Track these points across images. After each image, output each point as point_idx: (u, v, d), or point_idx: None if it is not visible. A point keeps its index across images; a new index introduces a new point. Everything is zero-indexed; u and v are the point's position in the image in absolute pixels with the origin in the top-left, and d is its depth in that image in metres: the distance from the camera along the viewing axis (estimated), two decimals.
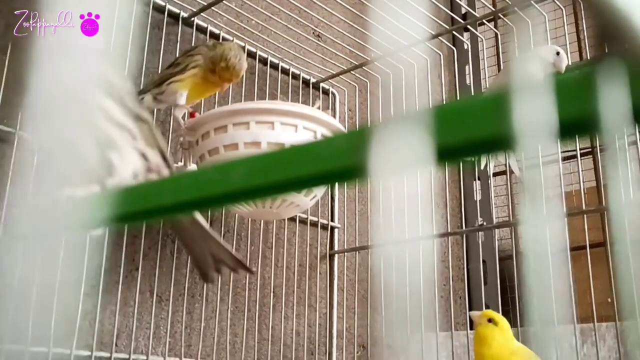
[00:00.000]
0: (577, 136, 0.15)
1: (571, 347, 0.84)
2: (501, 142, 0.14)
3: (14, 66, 0.69)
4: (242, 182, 0.26)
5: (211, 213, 0.92)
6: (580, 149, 0.92)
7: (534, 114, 0.14)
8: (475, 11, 1.28)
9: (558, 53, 0.87)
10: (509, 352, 0.74)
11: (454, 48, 1.17)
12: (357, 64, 1.10)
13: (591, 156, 1.15)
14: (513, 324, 0.92)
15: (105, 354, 0.77)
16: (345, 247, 1.10)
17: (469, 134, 0.14)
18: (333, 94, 1.17)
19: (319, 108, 0.93)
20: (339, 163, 0.20)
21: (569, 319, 0.81)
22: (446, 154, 0.15)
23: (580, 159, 0.91)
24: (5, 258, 0.65)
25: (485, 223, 1.26)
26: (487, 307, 1.15)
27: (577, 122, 0.15)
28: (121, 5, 0.83)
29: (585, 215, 0.84)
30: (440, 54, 1.14)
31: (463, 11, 1.39)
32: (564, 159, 0.95)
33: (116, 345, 0.79)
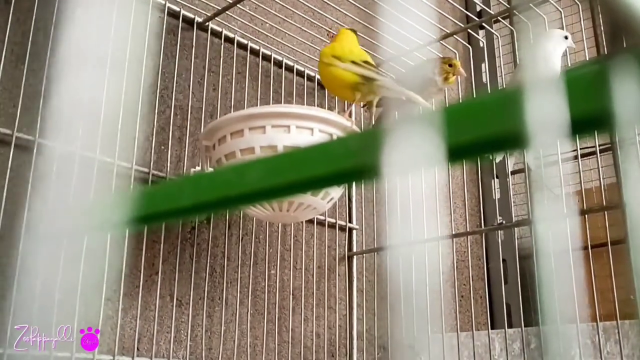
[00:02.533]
0: (590, 133, 0.15)
1: (594, 345, 0.83)
2: (513, 139, 0.14)
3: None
4: (258, 183, 0.26)
5: (229, 216, 0.93)
6: (599, 145, 0.91)
7: (546, 110, 0.14)
8: (490, 9, 1.28)
9: (566, 37, 0.87)
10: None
11: (469, 46, 1.16)
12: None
13: (611, 152, 1.14)
14: (535, 323, 0.91)
15: (127, 359, 0.78)
16: (364, 248, 1.09)
17: (481, 132, 0.14)
18: None
19: (338, 112, 0.93)
20: (352, 163, 0.21)
21: (590, 316, 0.80)
22: (458, 152, 0.15)
23: (600, 155, 0.90)
24: (28, 261, 0.66)
25: (504, 221, 1.25)
26: (508, 306, 1.14)
27: (590, 119, 0.15)
28: (136, 12, 0.84)
29: (606, 212, 0.84)
30: (456, 52, 1.13)
31: (478, 9, 1.38)
32: (583, 155, 0.94)
33: (138, 349, 0.80)
